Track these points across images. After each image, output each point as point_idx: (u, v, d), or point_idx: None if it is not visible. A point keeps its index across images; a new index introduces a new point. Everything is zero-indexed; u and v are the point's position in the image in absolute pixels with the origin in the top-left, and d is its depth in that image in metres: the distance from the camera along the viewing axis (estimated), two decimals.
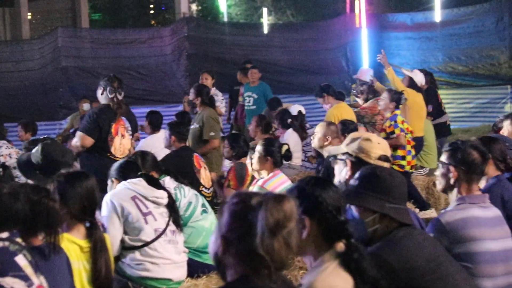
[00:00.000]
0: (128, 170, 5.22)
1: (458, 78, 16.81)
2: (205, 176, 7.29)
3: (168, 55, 15.97)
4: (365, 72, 10.68)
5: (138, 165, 5.44)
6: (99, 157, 6.72)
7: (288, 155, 6.24)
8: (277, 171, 6.06)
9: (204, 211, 5.85)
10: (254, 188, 6.05)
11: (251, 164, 6.18)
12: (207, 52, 16.12)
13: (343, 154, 3.97)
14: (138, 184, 4.99)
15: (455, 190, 3.98)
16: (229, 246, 2.27)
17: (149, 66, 15.72)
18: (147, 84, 15.54)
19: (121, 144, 6.91)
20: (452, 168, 3.92)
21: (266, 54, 16.86)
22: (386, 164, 3.89)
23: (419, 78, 9.79)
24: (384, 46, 14.30)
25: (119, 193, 4.97)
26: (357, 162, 3.89)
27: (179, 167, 6.70)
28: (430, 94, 10.54)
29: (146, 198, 4.97)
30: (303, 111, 10.15)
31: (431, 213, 8.20)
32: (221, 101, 10.91)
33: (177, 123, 7.81)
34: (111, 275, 3.95)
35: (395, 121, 8.42)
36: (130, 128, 7.23)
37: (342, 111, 9.20)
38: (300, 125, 9.87)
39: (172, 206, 5.10)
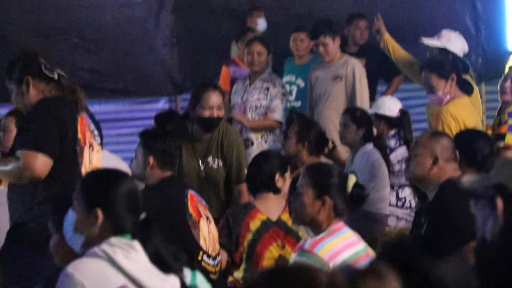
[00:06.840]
0: None
1: None
2: (207, 234, 5.07)
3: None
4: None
5: None
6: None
7: (361, 195, 4.17)
8: (338, 224, 3.97)
9: None
10: (295, 256, 4.02)
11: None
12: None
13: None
14: (133, 261, 2.99)
15: None
16: None
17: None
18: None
19: (90, 162, 4.76)
20: None
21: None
22: None
23: (460, 45, 6.71)
24: None
25: (92, 275, 2.92)
26: None
27: (163, 216, 4.61)
28: None
29: None
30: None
31: None
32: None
33: (157, 134, 5.42)
34: None
35: None
36: (97, 133, 5.37)
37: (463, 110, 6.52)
38: (406, 139, 6.75)
39: None
